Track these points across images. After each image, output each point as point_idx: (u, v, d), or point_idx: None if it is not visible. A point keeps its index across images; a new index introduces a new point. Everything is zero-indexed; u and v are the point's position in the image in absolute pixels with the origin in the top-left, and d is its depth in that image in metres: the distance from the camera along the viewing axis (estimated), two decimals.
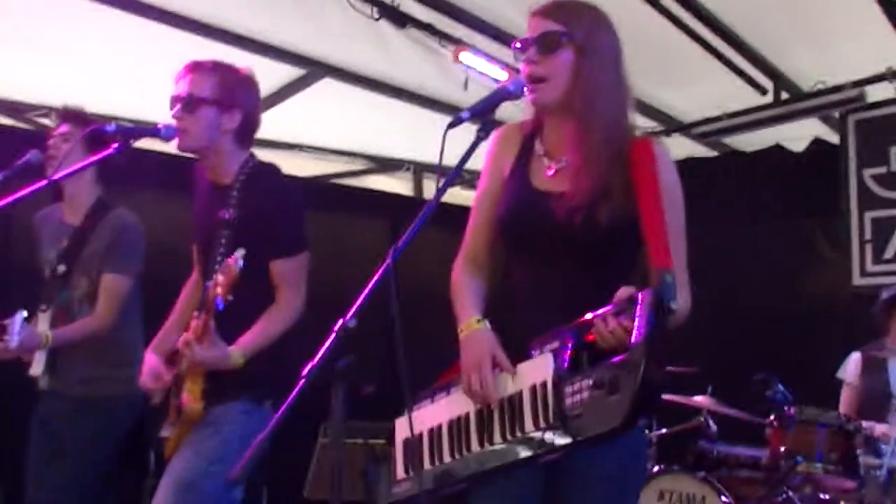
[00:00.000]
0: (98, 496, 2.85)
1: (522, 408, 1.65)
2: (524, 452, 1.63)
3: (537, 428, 1.61)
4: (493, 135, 1.93)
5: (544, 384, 1.62)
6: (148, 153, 4.11)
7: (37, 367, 2.84)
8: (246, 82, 2.39)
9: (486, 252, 1.91)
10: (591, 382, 1.54)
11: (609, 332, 1.53)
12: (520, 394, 1.66)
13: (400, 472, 1.85)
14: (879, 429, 3.70)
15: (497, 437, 1.68)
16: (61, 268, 2.89)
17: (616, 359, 1.52)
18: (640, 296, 1.51)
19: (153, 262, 3.00)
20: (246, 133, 2.39)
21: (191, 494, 2.17)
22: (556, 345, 1.63)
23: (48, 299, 2.89)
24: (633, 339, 1.48)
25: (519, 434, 1.64)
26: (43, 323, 2.85)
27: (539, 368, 1.65)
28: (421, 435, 1.82)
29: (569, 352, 1.60)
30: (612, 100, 1.78)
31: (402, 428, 1.86)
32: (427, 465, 1.79)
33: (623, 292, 1.55)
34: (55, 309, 2.87)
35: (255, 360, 2.23)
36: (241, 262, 1.99)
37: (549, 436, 1.59)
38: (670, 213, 1.73)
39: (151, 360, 2.40)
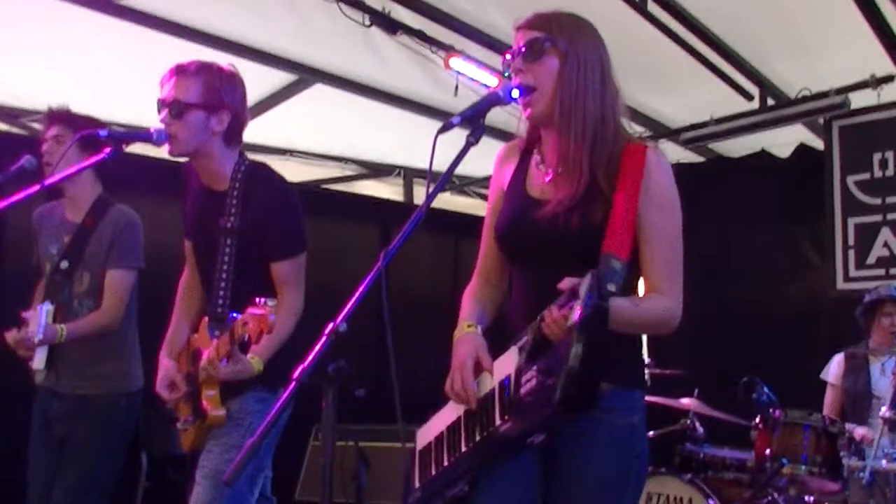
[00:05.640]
0: (109, 496, 2.87)
1: (494, 403, 1.69)
2: (498, 446, 1.67)
3: (502, 421, 1.66)
4: (496, 155, 1.99)
5: (509, 378, 1.68)
6: (141, 158, 4.15)
7: (39, 363, 2.85)
8: (230, 81, 2.38)
9: (498, 268, 1.96)
10: (538, 368, 1.58)
11: (553, 321, 1.55)
12: (492, 390, 1.71)
13: (416, 482, 1.90)
14: (859, 432, 3.75)
15: (477, 435, 1.72)
16: (64, 264, 2.91)
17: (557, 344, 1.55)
18: (585, 282, 1.50)
19: (149, 266, 3.03)
20: (234, 132, 2.39)
21: (226, 487, 2.20)
22: (522, 339, 1.68)
23: (51, 295, 2.91)
24: (569, 322, 1.49)
25: (491, 429, 1.68)
26: (44, 318, 2.85)
27: (506, 363, 1.70)
28: (430, 444, 1.88)
29: (529, 344, 1.64)
30: (594, 105, 1.79)
31: (419, 439, 1.93)
32: (434, 471, 1.84)
33: (566, 282, 1.55)
34: (57, 305, 2.88)
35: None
36: (273, 317, 2.03)
37: (506, 427, 1.64)
38: (662, 217, 1.76)
39: (166, 365, 2.44)
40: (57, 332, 2.79)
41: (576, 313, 1.46)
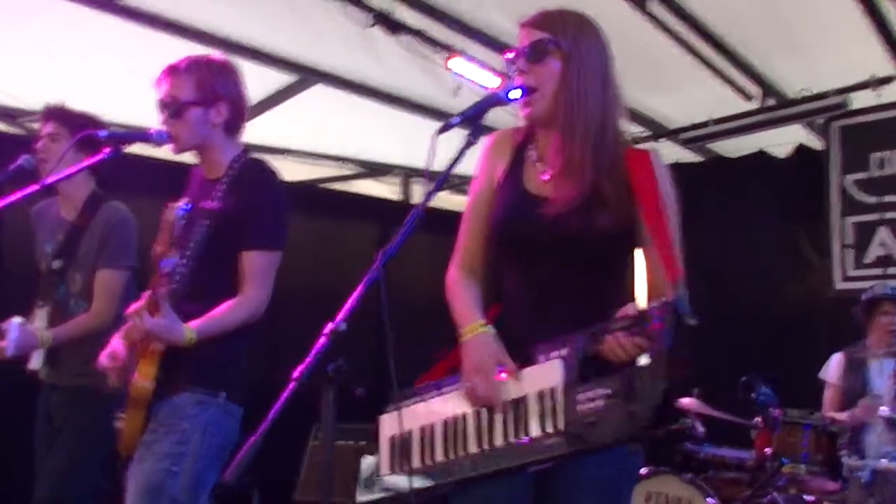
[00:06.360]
0: (96, 486, 2.86)
1: (528, 412, 1.65)
2: (527, 456, 1.65)
3: (544, 433, 1.62)
4: (486, 141, 1.96)
5: (553, 390, 1.63)
6: (141, 158, 4.15)
7: (36, 362, 2.86)
8: (224, 71, 2.36)
9: (480, 258, 1.93)
10: (607, 391, 1.56)
11: (620, 346, 1.56)
12: (524, 398, 1.67)
13: (385, 470, 1.83)
14: (860, 408, 3.73)
15: (498, 440, 1.69)
16: (57, 263, 2.91)
17: (631, 369, 1.56)
18: (655, 310, 1.53)
19: (148, 265, 3.02)
20: (235, 122, 2.37)
21: (161, 498, 2.10)
22: (564, 352, 1.64)
23: (45, 295, 2.91)
24: (653, 351, 1.51)
25: (524, 438, 1.65)
26: (40, 319, 2.88)
27: (547, 374, 1.66)
28: (410, 433, 1.80)
29: (578, 360, 1.62)
30: (596, 106, 1.79)
31: (388, 425, 1.86)
32: (417, 463, 1.78)
33: (631, 308, 1.58)
34: (51, 305, 2.89)
35: (209, 350, 2.15)
36: (180, 210, 1.95)
37: (557, 441, 1.61)
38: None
39: (114, 342, 2.29)
40: (39, 340, 2.78)
41: (659, 342, 1.50)
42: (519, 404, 1.68)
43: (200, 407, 2.17)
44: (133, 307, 2.10)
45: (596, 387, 1.58)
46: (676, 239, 1.76)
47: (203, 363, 2.16)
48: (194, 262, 2.22)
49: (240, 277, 2.23)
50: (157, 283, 2.06)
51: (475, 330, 1.77)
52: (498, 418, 1.69)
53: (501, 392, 1.70)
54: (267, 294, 2.25)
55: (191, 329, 2.11)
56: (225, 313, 2.18)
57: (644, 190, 1.75)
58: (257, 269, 2.24)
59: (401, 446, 1.81)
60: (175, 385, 2.16)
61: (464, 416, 1.75)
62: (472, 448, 1.71)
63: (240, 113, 2.38)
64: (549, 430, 1.62)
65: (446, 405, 1.79)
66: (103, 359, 2.25)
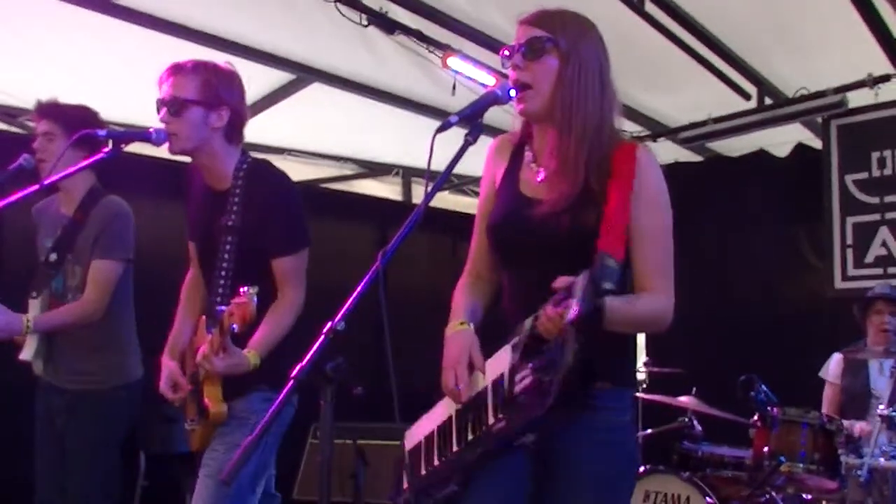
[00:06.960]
0: (107, 490, 2.88)
1: (487, 402, 1.71)
2: (490, 445, 1.69)
3: (496, 419, 1.67)
4: (489, 147, 1.98)
5: (502, 376, 1.68)
6: (141, 157, 4.15)
7: (27, 353, 2.85)
8: (228, 78, 2.38)
9: (489, 265, 1.95)
10: (533, 366, 1.59)
11: (548, 319, 1.55)
12: (485, 389, 1.73)
13: (405, 482, 1.90)
14: (859, 426, 3.77)
15: (470, 435, 1.74)
16: (53, 256, 2.91)
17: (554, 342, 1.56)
18: (579, 279, 1.49)
19: (149, 264, 3.03)
20: (235, 129, 2.39)
21: (227, 486, 2.22)
22: (516, 339, 1.68)
23: (38, 286, 2.91)
24: (570, 318, 1.47)
25: (484, 428, 1.70)
26: (34, 310, 2.87)
27: (500, 362, 1.70)
28: (419, 444, 1.88)
29: (523, 343, 1.64)
30: (594, 107, 1.79)
31: (408, 438, 1.93)
32: (423, 471, 1.85)
33: (561, 281, 1.54)
34: (48, 296, 2.89)
35: (268, 354, 2.30)
36: (255, 301, 2.05)
37: (501, 426, 1.66)
38: (654, 216, 1.76)
39: (169, 366, 2.45)
40: (22, 324, 2.77)
41: (572, 311, 1.44)
42: (480, 396, 1.74)
43: (267, 403, 2.29)
44: (201, 353, 2.24)
45: (529, 364, 1.60)
46: (660, 232, 1.76)
47: (264, 369, 2.27)
48: (231, 276, 2.33)
49: (277, 282, 2.36)
50: (223, 332, 2.16)
51: (454, 328, 1.84)
52: (470, 413, 1.74)
53: (474, 386, 1.74)
54: (303, 290, 2.40)
55: (254, 355, 2.26)
56: (275, 325, 2.32)
57: (617, 181, 1.73)
58: (289, 272, 2.38)
59: (412, 458, 1.90)
60: (243, 388, 2.32)
61: (450, 418, 1.80)
62: (455, 447, 1.77)
63: (240, 123, 2.41)
64: (499, 415, 1.67)
65: (440, 411, 1.85)
66: (165, 388, 2.44)
